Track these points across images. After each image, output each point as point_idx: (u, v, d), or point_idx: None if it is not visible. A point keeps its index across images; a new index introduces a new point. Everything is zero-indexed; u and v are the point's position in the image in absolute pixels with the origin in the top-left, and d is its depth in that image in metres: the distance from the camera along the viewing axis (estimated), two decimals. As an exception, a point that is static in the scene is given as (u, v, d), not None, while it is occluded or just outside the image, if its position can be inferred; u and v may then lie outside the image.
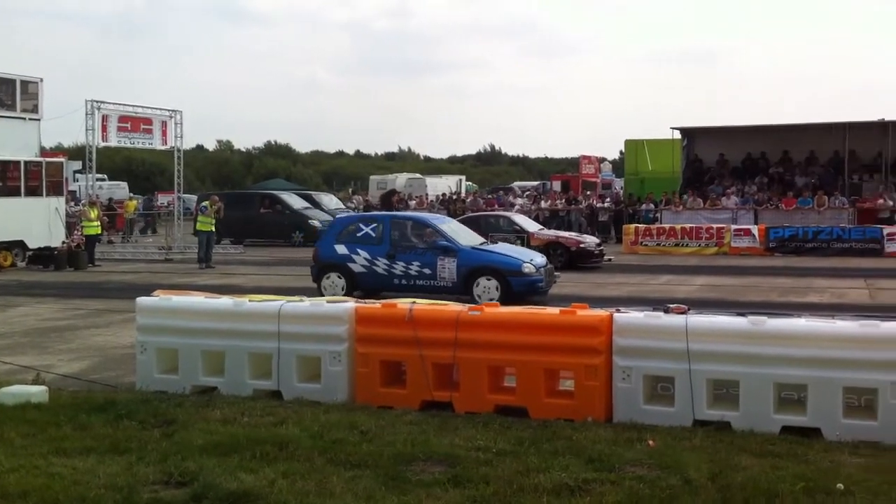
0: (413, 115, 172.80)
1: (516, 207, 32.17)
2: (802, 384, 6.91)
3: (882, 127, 30.88)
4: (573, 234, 24.68)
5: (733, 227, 26.93)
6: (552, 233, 24.19)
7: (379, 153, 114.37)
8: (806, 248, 25.47)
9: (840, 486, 5.28)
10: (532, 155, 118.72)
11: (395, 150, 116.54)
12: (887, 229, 25.26)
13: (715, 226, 27.03)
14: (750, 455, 6.05)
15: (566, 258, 21.66)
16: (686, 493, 5.20)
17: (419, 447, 6.19)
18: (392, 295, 13.93)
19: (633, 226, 28.71)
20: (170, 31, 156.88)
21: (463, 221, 24.39)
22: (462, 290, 14.75)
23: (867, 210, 27.97)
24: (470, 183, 60.69)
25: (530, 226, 23.95)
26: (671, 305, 7.75)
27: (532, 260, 15.29)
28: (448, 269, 14.95)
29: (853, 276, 19.41)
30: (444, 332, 7.70)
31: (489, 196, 40.90)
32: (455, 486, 5.42)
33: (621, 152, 50.71)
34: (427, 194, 41.45)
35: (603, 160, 61.47)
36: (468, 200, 36.44)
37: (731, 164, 34.24)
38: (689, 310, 7.60)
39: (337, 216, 21.38)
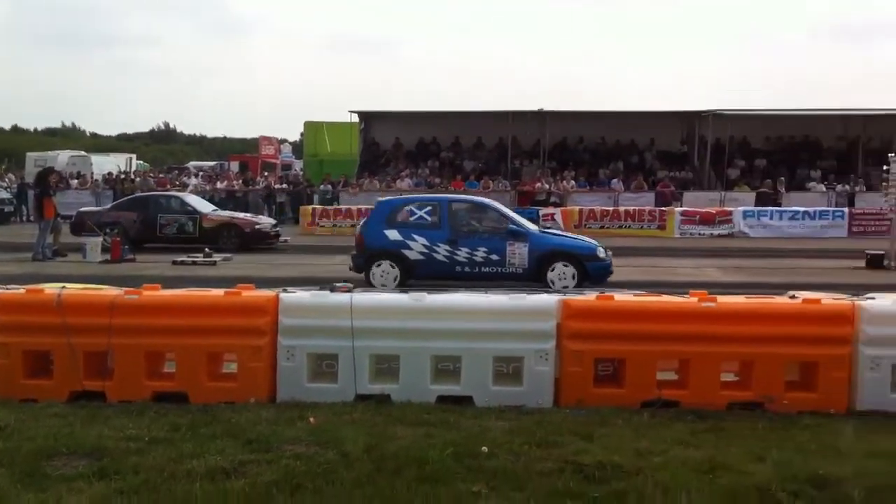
0: (79, 89, 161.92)
1: (190, 188, 31.03)
2: (458, 356, 7.26)
3: (540, 116, 33.42)
4: (248, 215, 24.22)
5: (406, 208, 27.85)
6: (226, 214, 23.65)
7: (39, 128, 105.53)
8: (472, 228, 26.88)
9: (485, 448, 5.60)
10: (210, 134, 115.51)
11: (58, 125, 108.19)
12: (543, 210, 27.42)
13: (389, 207, 27.75)
14: (406, 425, 6.24)
15: (240, 240, 21.50)
16: (342, 467, 5.25)
17: (63, 441, 5.74)
18: (450, 284, 12.82)
19: (310, 207, 28.86)
20: None
21: (131, 202, 23.32)
22: (535, 276, 14.02)
23: (526, 192, 30.25)
24: (141, 162, 57.55)
25: (203, 207, 23.22)
26: (338, 284, 7.85)
27: (598, 244, 14.79)
28: (519, 254, 14.07)
29: (512, 254, 20.72)
30: (98, 317, 7.25)
31: (161, 176, 39.07)
32: (101, 478, 5.09)
33: (302, 134, 50.69)
34: (93, 173, 38.73)
35: (283, 141, 61.22)
36: (137, 180, 34.59)
37: (405, 147, 35.51)
38: (353, 288, 7.73)
39: (379, 199, 17.88)
